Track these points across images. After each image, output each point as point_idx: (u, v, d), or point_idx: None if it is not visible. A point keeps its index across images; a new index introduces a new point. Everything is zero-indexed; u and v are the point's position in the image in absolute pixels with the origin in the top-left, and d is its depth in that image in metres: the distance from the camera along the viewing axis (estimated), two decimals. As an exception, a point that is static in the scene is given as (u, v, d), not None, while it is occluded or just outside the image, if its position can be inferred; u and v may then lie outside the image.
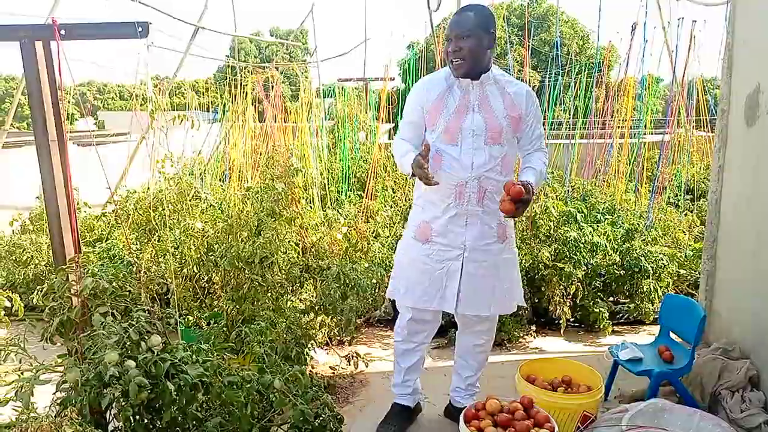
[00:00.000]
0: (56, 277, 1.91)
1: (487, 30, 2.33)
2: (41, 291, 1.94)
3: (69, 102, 5.20)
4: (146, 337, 1.71)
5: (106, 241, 4.55)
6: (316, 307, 3.34)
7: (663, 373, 2.71)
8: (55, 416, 1.62)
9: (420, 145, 2.42)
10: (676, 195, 6.52)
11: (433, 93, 2.44)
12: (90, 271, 1.95)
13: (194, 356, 1.76)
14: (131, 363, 1.60)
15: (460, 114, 2.39)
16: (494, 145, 2.39)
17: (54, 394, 1.75)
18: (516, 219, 2.72)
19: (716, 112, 3.29)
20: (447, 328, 3.80)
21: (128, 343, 1.65)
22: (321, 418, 1.93)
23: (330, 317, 3.43)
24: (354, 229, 4.04)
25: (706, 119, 7.43)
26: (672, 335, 3.04)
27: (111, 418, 1.81)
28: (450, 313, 2.56)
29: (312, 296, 3.48)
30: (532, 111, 2.48)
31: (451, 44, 2.33)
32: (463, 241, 2.44)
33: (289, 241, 3.34)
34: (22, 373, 1.68)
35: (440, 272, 2.47)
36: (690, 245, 4.69)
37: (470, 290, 2.47)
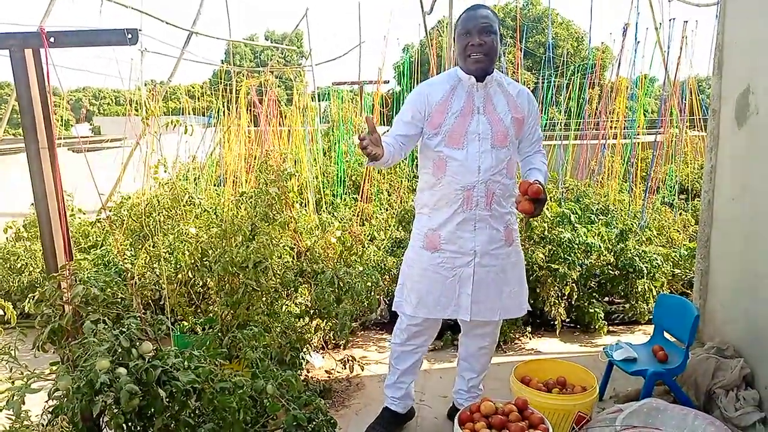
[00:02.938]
0: (47, 285, 1.91)
1: (499, 31, 2.35)
2: (32, 298, 1.94)
3: (65, 108, 5.21)
4: (137, 344, 1.70)
5: (100, 247, 4.55)
6: (311, 311, 3.34)
7: (657, 372, 2.71)
8: (47, 424, 1.62)
9: (407, 143, 2.38)
10: (671, 195, 6.54)
11: (435, 96, 2.38)
12: (82, 278, 1.95)
13: (186, 362, 1.76)
14: (122, 370, 1.59)
15: (465, 116, 2.34)
16: (501, 148, 2.35)
17: (46, 402, 1.75)
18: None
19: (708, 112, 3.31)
20: (443, 331, 3.81)
21: (119, 350, 1.65)
22: (314, 423, 1.93)
23: (325, 321, 3.43)
24: (348, 233, 4.04)
25: (699, 119, 7.46)
26: (666, 335, 3.04)
27: (103, 425, 1.80)
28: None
29: (307, 300, 3.48)
30: (533, 113, 2.47)
31: (472, 38, 2.27)
32: (473, 247, 2.39)
33: (283, 246, 3.34)
34: (13, 382, 1.67)
35: (452, 280, 2.42)
36: (685, 245, 4.71)
37: (481, 296, 2.44)
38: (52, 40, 2.04)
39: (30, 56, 2.09)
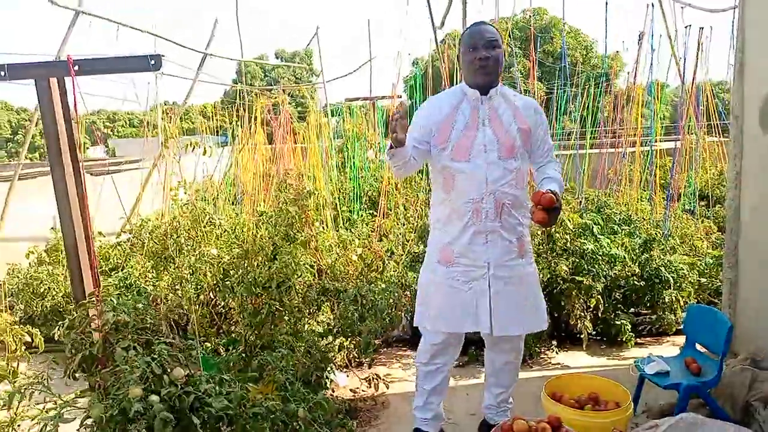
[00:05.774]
0: (76, 313, 1.91)
1: (502, 46, 2.42)
2: (62, 326, 1.93)
3: (81, 132, 5.26)
4: (169, 370, 1.69)
5: (121, 270, 4.56)
6: (335, 330, 3.32)
7: (692, 386, 2.65)
8: (80, 454, 1.61)
9: (418, 156, 2.40)
10: (691, 202, 6.45)
11: (442, 112, 2.44)
12: (111, 304, 1.94)
13: (217, 387, 1.74)
14: (155, 398, 1.58)
15: (471, 129, 2.39)
16: (508, 159, 2.39)
17: (78, 430, 1.73)
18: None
19: (726, 116, 3.26)
20: (467, 346, 3.75)
21: (151, 377, 1.64)
22: (346, 446, 1.90)
23: (348, 339, 3.40)
24: (369, 249, 4.02)
25: (716, 124, 7.37)
26: (698, 346, 2.97)
27: (136, 453, 1.78)
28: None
29: (330, 319, 3.45)
30: (541, 123, 2.51)
31: (479, 52, 2.35)
32: (486, 259, 2.40)
33: (304, 264, 3.32)
34: (47, 411, 1.66)
35: (468, 293, 2.43)
36: (709, 253, 4.62)
37: (501, 310, 2.43)
38: (77, 68, 2.06)
39: (55, 84, 2.12)
